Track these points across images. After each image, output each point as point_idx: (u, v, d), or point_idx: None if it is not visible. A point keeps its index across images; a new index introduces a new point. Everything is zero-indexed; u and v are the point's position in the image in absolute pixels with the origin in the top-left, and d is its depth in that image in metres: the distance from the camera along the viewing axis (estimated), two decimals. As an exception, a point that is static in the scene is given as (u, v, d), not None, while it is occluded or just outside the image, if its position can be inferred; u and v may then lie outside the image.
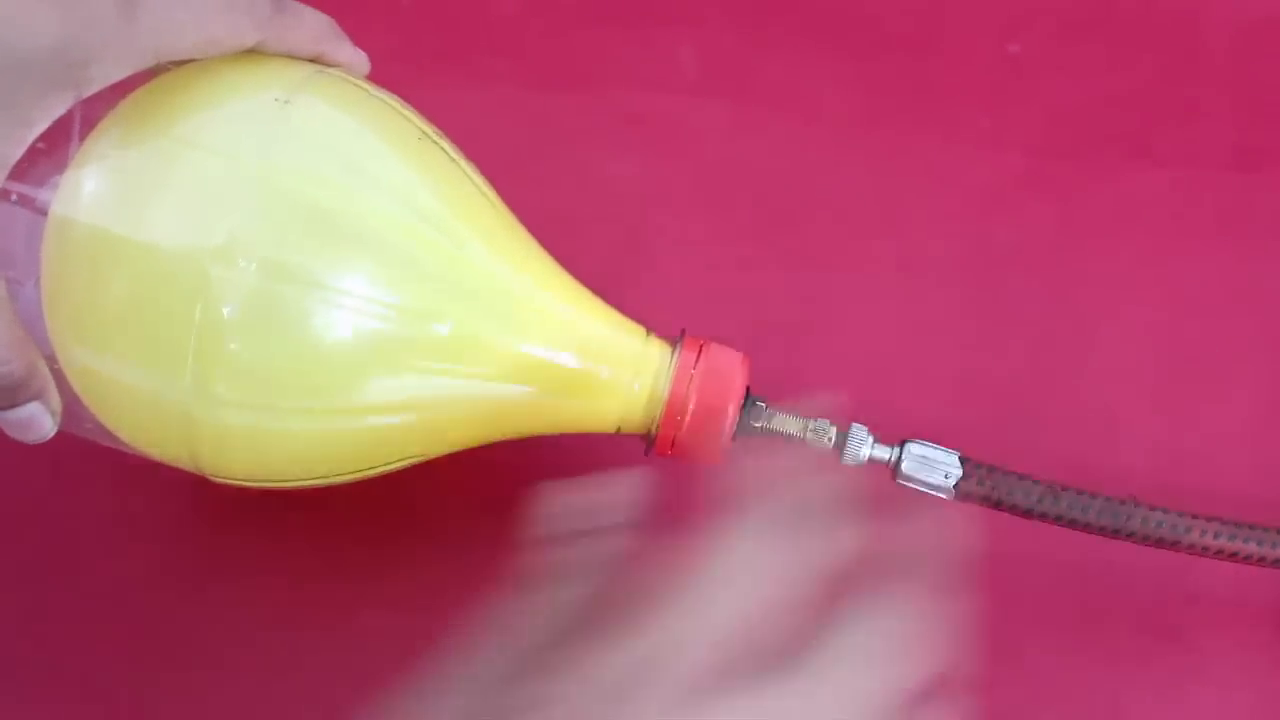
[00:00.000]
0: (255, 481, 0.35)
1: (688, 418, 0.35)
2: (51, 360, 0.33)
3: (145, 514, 0.42)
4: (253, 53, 0.34)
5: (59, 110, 0.30)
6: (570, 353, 0.35)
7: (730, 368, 0.35)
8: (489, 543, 0.41)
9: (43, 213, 0.32)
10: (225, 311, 0.30)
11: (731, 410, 0.35)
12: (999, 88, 0.50)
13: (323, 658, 0.39)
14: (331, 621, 0.40)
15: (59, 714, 0.39)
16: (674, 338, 0.36)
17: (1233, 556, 0.36)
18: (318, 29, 0.35)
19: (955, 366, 0.44)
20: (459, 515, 0.42)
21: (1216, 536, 0.36)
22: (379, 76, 0.36)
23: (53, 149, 0.32)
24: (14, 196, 0.32)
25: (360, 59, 0.36)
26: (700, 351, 0.35)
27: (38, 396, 0.32)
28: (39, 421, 0.33)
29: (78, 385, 0.33)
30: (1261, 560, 0.36)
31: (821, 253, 0.47)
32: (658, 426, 0.35)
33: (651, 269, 0.45)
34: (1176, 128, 0.49)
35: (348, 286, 0.31)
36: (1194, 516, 0.36)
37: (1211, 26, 0.50)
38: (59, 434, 0.33)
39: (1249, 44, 0.50)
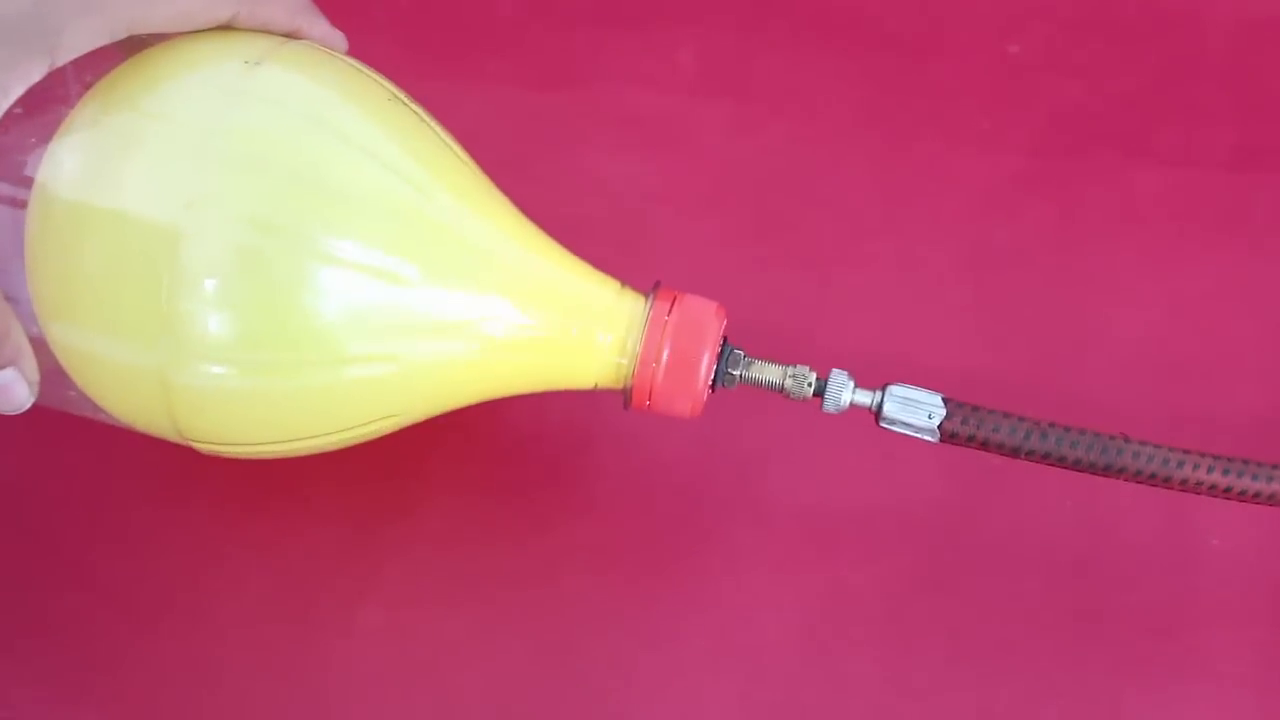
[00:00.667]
0: (237, 445, 0.34)
1: (662, 368, 0.34)
2: (41, 342, 0.33)
3: (142, 513, 0.42)
4: (227, 28, 0.34)
5: (34, 76, 0.30)
6: (543, 305, 0.35)
7: (705, 316, 0.35)
8: (488, 539, 0.41)
9: (26, 190, 0.32)
10: (194, 269, 0.30)
11: (706, 358, 0.34)
12: (999, 88, 0.50)
13: (323, 658, 0.39)
14: (332, 621, 0.40)
15: (56, 713, 0.39)
16: (648, 290, 0.35)
17: (1226, 493, 0.35)
18: (293, 3, 0.35)
19: (955, 366, 0.44)
20: (457, 512, 0.42)
21: (1210, 471, 0.34)
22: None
23: (36, 120, 0.32)
24: None
25: (336, 36, 0.36)
26: (674, 302, 0.35)
27: (11, 363, 0.32)
28: (14, 390, 0.33)
29: (62, 359, 0.33)
30: (1257, 496, 0.35)
31: (822, 253, 0.47)
32: (633, 378, 0.35)
33: (651, 268, 0.45)
34: (1176, 128, 0.49)
35: (316, 238, 0.31)
36: (1186, 452, 0.35)
37: (1211, 26, 0.50)
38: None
39: (1249, 44, 0.50)
